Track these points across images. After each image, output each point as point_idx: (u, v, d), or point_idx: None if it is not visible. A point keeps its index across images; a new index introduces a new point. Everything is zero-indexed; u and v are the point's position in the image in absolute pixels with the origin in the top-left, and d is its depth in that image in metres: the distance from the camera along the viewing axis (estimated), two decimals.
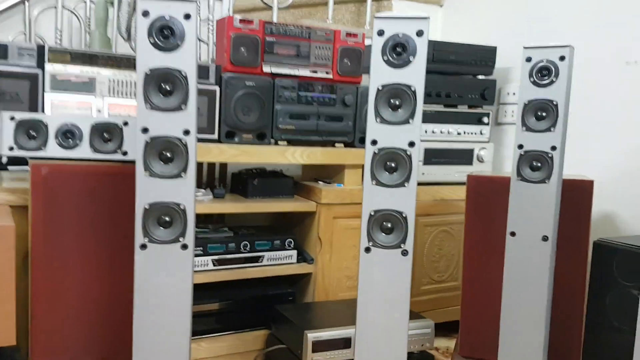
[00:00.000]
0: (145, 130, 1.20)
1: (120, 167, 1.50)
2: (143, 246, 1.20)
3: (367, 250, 1.33)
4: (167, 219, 1.21)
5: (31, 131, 1.46)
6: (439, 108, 2.30)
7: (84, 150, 1.48)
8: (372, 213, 1.33)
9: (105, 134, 1.50)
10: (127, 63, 1.84)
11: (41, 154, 1.47)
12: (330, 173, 2.21)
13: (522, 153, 1.51)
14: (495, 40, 2.46)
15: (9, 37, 2.46)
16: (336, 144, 2.18)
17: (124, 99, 1.85)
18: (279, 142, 2.06)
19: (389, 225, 1.32)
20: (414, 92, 1.28)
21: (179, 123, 1.21)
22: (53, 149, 1.47)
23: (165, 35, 1.20)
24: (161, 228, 1.21)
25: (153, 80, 1.20)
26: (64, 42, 2.38)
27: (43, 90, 1.72)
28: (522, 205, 1.52)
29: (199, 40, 2.70)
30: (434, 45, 2.25)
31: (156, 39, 1.19)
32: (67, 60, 1.77)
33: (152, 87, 1.20)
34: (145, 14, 1.18)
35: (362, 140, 2.17)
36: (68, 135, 1.48)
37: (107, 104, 1.82)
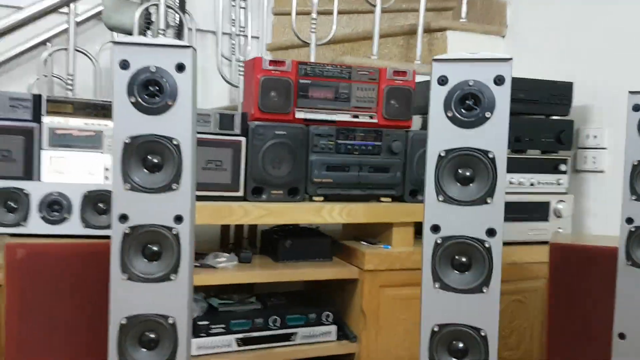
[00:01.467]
0: (123, 217, 0.93)
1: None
2: None
3: None
4: (151, 336, 0.92)
5: (10, 202, 1.23)
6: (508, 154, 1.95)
7: (72, 225, 1.24)
8: (436, 329, 1.00)
9: (100, 204, 1.25)
10: None
11: (21, 230, 1.23)
12: (374, 231, 1.90)
13: (633, 229, 1.15)
14: (569, 74, 2.10)
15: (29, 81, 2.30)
16: (382, 199, 1.86)
17: None
18: (314, 198, 1.77)
19: (460, 346, 0.98)
20: (493, 160, 0.96)
21: (169, 207, 0.93)
22: (35, 224, 1.23)
23: (151, 92, 0.93)
24: (143, 350, 0.93)
25: (134, 151, 0.93)
26: (77, 90, 2.19)
27: (40, 147, 1.50)
28: (633, 299, 1.16)
29: (229, 84, 2.47)
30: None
31: (139, 98, 0.93)
32: (69, 111, 1.55)
33: (134, 161, 0.93)
34: (124, 65, 0.92)
35: (413, 194, 1.86)
36: (54, 207, 1.24)
37: None
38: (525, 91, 1.94)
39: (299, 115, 1.72)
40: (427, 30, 2.36)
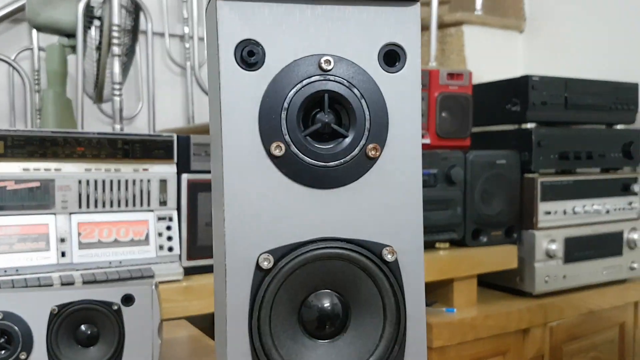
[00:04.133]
0: None
1: None
2: None
3: None
4: None
5: None
6: (573, 177, 1.55)
7: None
8: None
9: (82, 327, 0.70)
10: (109, 147, 1.04)
11: None
12: (428, 288, 1.43)
13: None
14: (603, 73, 1.74)
15: None
16: (437, 244, 1.40)
17: (108, 214, 1.04)
18: None
19: None
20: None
21: None
22: None
23: None
24: None
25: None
26: None
27: None
28: None
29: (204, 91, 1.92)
30: (566, 84, 1.51)
31: None
32: None
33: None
34: None
35: (475, 235, 1.41)
36: None
37: (75, 225, 1.01)
38: (590, 95, 1.55)
39: None
40: (441, 26, 1.93)
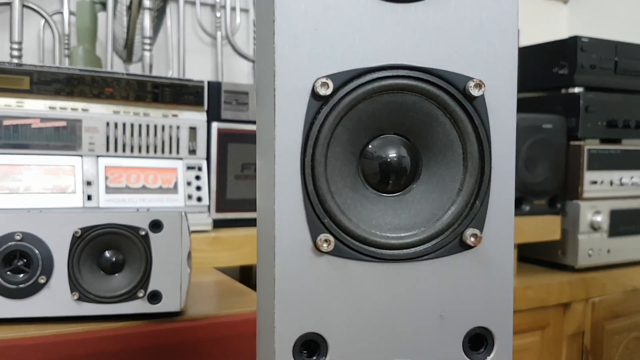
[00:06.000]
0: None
1: (133, 328, 0.64)
2: None
3: None
4: None
5: None
6: (621, 146, 1.47)
7: (54, 299, 0.64)
8: None
9: (106, 254, 0.66)
10: (139, 90, 1.00)
11: None
12: None
13: None
14: None
15: None
16: None
17: (136, 159, 1.00)
18: None
19: None
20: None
21: None
22: None
23: None
24: None
25: None
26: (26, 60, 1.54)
27: None
28: None
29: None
30: (616, 47, 1.43)
31: None
32: (24, 87, 0.93)
33: None
34: None
35: (518, 204, 1.33)
36: (16, 264, 0.63)
37: (102, 168, 0.97)
38: (631, 59, 1.46)
39: None
40: None
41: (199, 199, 1.04)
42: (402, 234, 0.38)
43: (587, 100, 1.38)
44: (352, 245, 0.37)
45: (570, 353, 1.39)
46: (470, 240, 0.38)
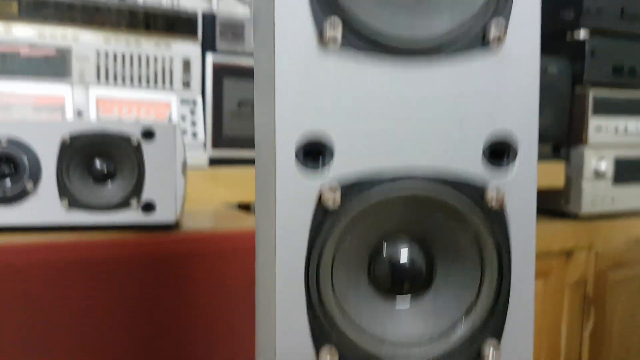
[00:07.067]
0: None
1: (126, 238, 0.61)
2: None
3: None
4: None
5: None
6: (627, 93, 1.43)
7: (42, 206, 0.61)
8: None
9: (97, 161, 0.63)
10: (130, 17, 0.96)
11: None
12: None
13: None
14: None
15: None
16: None
17: (128, 90, 0.97)
18: None
19: None
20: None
21: None
22: None
23: None
24: None
25: None
26: None
27: None
28: None
29: None
30: None
31: None
32: (13, 13, 0.90)
33: None
34: None
35: None
36: (2, 171, 0.60)
37: (93, 99, 0.94)
38: (638, 4, 1.43)
39: None
40: None
41: (194, 135, 1.01)
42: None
43: (593, 45, 1.34)
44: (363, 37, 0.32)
45: (572, 302, 1.38)
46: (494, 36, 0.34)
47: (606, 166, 1.37)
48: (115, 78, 0.95)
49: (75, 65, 0.92)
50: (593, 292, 1.39)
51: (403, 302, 0.35)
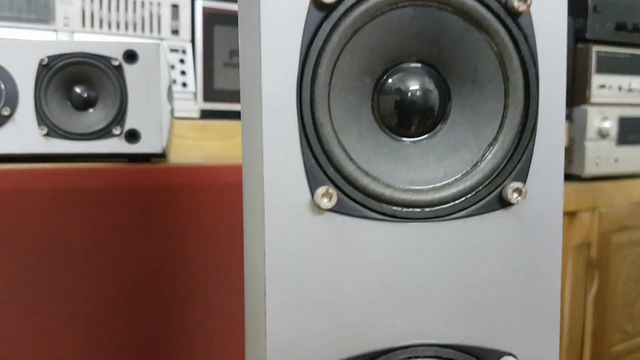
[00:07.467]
0: None
1: (109, 167, 0.57)
2: None
3: None
4: None
5: None
6: (631, 50, 1.40)
7: (18, 134, 0.57)
8: None
9: (77, 87, 0.59)
10: None
11: None
12: None
13: None
14: None
15: None
16: None
17: (114, 37, 0.93)
18: None
19: None
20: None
21: None
22: None
23: None
24: None
25: None
26: None
27: None
28: None
29: None
30: None
31: None
32: None
33: None
34: None
35: None
36: None
37: None
38: None
39: None
40: None
41: (184, 85, 0.97)
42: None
43: (596, 1, 1.30)
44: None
45: (577, 265, 1.35)
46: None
47: (610, 125, 1.33)
48: (100, 24, 0.91)
49: (59, 9, 0.88)
50: (597, 256, 1.36)
51: (412, 140, 0.31)
